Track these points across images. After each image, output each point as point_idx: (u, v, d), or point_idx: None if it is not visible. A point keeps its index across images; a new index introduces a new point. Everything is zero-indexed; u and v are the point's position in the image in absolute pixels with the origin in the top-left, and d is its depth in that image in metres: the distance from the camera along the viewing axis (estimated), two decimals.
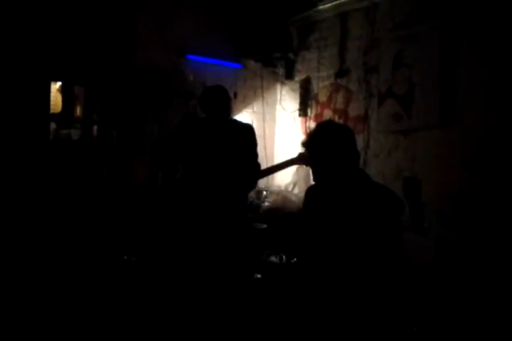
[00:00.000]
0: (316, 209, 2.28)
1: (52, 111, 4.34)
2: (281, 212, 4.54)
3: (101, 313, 3.19)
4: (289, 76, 5.31)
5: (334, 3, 4.62)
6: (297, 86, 5.20)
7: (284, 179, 5.18)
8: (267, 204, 4.88)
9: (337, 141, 2.15)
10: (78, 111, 4.59)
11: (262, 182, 4.91)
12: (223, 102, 3.31)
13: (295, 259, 3.77)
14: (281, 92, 5.46)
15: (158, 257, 3.31)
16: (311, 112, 5.04)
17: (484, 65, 3.38)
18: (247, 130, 3.43)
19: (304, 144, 2.23)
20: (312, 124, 4.92)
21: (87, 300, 3.33)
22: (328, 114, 4.79)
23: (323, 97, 4.90)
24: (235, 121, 3.56)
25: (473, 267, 3.05)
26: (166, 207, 3.37)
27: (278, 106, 5.49)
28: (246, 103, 5.29)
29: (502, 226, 3.07)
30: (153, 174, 3.45)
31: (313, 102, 5.01)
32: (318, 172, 2.20)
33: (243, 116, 5.19)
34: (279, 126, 5.48)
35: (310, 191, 2.39)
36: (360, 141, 4.17)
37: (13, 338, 2.93)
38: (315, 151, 2.18)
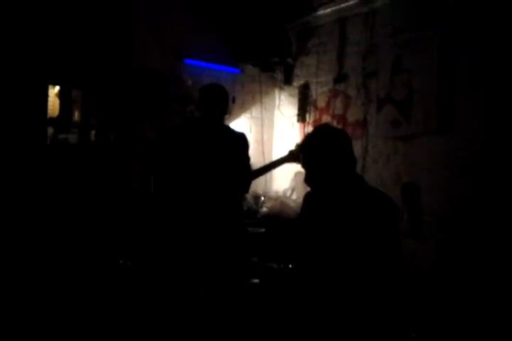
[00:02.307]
0: (313, 215, 2.26)
1: (49, 115, 4.31)
2: (279, 218, 4.52)
3: (97, 317, 3.17)
4: (288, 81, 5.31)
5: (333, 8, 4.63)
6: (296, 91, 5.19)
7: (282, 184, 5.16)
8: (264, 209, 4.85)
9: (333, 144, 2.13)
10: (76, 115, 4.56)
11: (259, 188, 4.89)
12: (220, 100, 3.20)
13: (293, 265, 3.75)
14: (279, 97, 5.45)
15: (154, 261, 3.27)
16: (310, 118, 5.03)
17: (483, 71, 3.37)
18: (241, 138, 3.33)
19: (300, 147, 2.22)
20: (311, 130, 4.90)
21: (83, 303, 3.30)
22: (326, 120, 4.78)
23: (321, 103, 4.89)
24: (229, 128, 3.41)
25: (472, 273, 3.03)
26: (159, 212, 3.33)
27: (276, 112, 5.47)
28: (244, 108, 5.27)
29: (501, 231, 3.05)
30: (146, 179, 3.37)
31: (312, 108, 5.00)
32: (312, 175, 2.18)
33: (241, 121, 5.18)
34: (278, 132, 5.46)
35: (308, 197, 2.38)
36: (358, 147, 4.15)
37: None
38: (310, 154, 2.17)
